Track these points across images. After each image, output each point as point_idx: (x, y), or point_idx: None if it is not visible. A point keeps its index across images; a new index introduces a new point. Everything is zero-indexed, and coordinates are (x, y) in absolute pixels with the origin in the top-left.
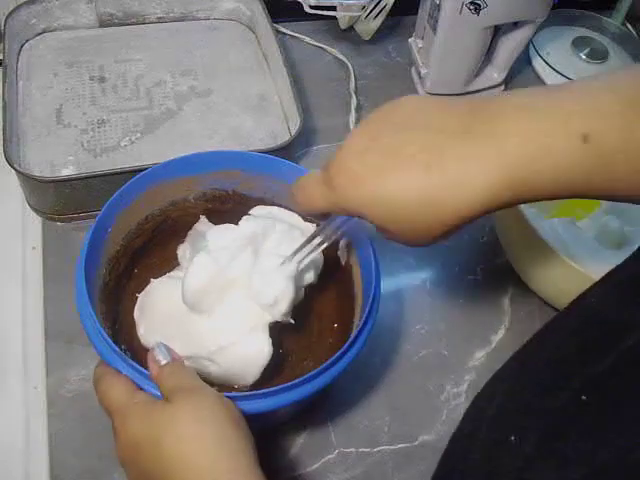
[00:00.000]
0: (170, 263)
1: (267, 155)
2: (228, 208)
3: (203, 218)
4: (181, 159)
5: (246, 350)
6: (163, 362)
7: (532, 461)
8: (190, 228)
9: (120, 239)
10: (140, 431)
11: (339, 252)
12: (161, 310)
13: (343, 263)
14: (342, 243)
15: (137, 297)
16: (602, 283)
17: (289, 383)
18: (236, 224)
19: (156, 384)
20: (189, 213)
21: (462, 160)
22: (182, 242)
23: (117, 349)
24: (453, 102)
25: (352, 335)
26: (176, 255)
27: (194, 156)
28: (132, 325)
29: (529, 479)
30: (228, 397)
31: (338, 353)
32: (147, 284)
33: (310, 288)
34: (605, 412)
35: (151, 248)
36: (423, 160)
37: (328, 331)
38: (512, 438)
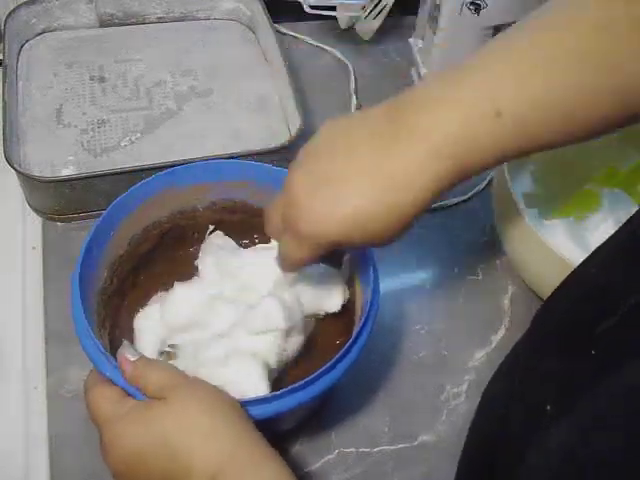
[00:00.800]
0: (176, 271)
1: (280, 168)
2: (237, 219)
3: (218, 232)
4: (190, 167)
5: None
6: (133, 358)
7: (557, 420)
8: (196, 236)
9: (125, 243)
10: (140, 438)
11: (342, 267)
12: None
13: (346, 279)
14: (345, 258)
15: (140, 304)
16: (598, 252)
17: (289, 387)
18: (244, 235)
19: (133, 383)
20: (198, 222)
21: (400, 165)
22: (196, 257)
23: (103, 350)
24: (367, 113)
25: (352, 336)
26: (183, 264)
27: (203, 164)
28: (131, 331)
29: (553, 440)
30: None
31: (330, 362)
32: (152, 292)
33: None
34: (616, 362)
35: (158, 255)
36: (366, 176)
37: (330, 348)
38: (548, 408)
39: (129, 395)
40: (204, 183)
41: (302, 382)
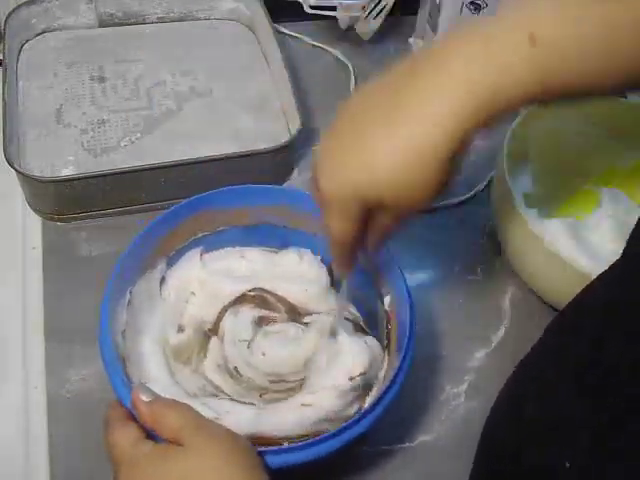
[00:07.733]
0: None
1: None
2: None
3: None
4: (226, 191)
5: None
6: (148, 399)
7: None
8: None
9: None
10: (161, 478)
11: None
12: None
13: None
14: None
15: None
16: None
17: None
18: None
19: (149, 426)
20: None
21: (420, 99)
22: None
23: (127, 382)
24: (393, 68)
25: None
26: None
27: (241, 189)
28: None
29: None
30: (259, 452)
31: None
32: None
33: None
34: None
35: None
36: (383, 121)
37: None
38: (567, 465)
39: (148, 436)
40: (239, 207)
41: (322, 436)
